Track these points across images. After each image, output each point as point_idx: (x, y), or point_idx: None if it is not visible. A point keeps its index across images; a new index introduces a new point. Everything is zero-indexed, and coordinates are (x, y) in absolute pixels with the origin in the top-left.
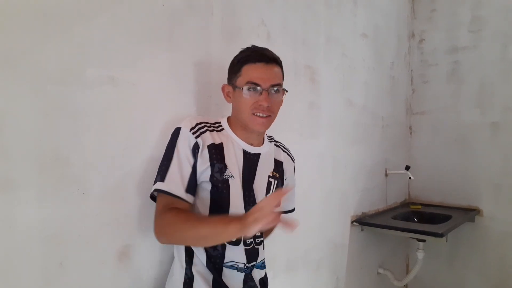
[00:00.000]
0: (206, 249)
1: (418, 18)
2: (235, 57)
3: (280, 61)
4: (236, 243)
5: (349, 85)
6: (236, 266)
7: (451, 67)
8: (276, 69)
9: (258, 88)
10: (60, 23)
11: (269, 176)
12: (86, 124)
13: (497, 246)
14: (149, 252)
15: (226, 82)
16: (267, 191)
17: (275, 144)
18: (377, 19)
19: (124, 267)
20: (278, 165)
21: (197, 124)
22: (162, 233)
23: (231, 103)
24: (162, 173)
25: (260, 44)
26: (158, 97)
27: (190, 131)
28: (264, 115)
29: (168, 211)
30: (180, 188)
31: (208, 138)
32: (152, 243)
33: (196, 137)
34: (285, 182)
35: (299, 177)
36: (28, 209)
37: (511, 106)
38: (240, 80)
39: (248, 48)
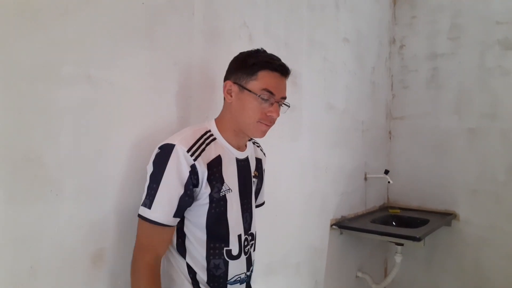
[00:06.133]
0: (208, 269)
1: (399, 24)
2: (248, 57)
3: None
4: (238, 256)
5: (330, 89)
6: (239, 278)
7: (430, 73)
8: (286, 82)
9: (272, 98)
10: (35, 19)
11: (252, 176)
12: (60, 123)
13: (472, 250)
14: (125, 256)
15: (209, 81)
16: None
17: (252, 142)
18: (359, 24)
19: (99, 271)
20: (258, 163)
21: (195, 143)
22: (132, 274)
23: (231, 102)
24: (150, 198)
25: (242, 46)
26: (136, 97)
27: (188, 152)
28: (269, 125)
29: (144, 269)
30: (167, 215)
31: (207, 156)
32: (128, 246)
33: (195, 159)
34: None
35: (280, 180)
36: None
37: (487, 112)
38: (255, 84)
39: (259, 51)
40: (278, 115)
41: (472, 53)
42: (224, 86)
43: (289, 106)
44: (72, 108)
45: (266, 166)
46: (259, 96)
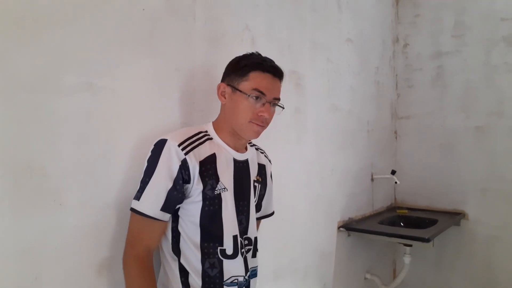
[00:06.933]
0: (203, 271)
1: (402, 23)
2: (241, 60)
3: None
4: (233, 256)
5: (335, 90)
6: (237, 281)
7: (435, 72)
8: (280, 84)
9: (263, 98)
10: (35, 29)
11: (254, 181)
12: (63, 133)
13: (482, 249)
14: None
15: (212, 86)
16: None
17: (255, 148)
18: (362, 24)
19: (104, 280)
20: (261, 169)
21: (187, 139)
22: (124, 267)
23: (225, 104)
24: (140, 191)
25: (245, 49)
26: (139, 104)
27: (179, 146)
28: (261, 125)
29: (134, 261)
30: (155, 208)
31: (199, 153)
32: None
33: (186, 153)
34: (268, 185)
35: (286, 183)
36: (1, 222)
37: (494, 110)
38: (246, 85)
39: (253, 54)
40: (270, 115)
41: (477, 50)
42: (218, 88)
43: (283, 108)
44: (74, 117)
45: (272, 172)
46: (249, 95)
